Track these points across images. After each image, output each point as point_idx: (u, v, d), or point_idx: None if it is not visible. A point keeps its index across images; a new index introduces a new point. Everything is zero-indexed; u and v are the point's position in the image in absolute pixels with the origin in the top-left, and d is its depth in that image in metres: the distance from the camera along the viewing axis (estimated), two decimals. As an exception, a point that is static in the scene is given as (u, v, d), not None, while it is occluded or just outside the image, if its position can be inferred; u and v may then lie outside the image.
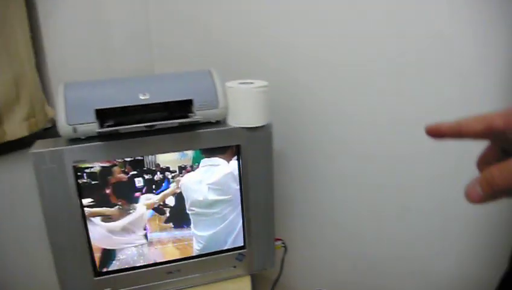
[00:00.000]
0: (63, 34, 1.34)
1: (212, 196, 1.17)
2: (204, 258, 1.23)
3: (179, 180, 1.14)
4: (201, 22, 1.50)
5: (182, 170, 1.13)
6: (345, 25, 1.19)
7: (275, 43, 1.34)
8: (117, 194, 1.10)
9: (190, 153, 1.12)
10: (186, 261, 1.22)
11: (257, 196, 1.21)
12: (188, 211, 1.17)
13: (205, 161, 1.14)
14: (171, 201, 1.15)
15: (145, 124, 1.01)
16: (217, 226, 1.21)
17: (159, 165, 1.11)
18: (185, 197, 1.16)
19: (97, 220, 1.11)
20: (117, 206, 1.11)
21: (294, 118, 1.35)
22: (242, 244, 1.26)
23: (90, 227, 1.11)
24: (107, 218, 1.11)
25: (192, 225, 1.19)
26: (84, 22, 1.40)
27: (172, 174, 1.12)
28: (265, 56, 1.37)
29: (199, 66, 1.51)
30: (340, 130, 1.30)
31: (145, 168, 1.10)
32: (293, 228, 1.48)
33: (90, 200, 1.08)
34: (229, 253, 1.25)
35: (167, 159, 1.11)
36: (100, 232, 1.12)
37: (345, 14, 1.18)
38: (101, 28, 1.46)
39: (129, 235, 1.15)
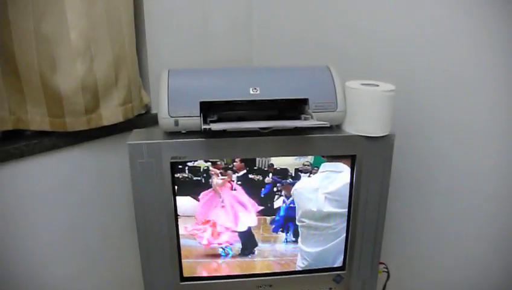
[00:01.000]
0: (164, 18, 1.25)
1: (328, 208, 1.03)
2: (299, 275, 1.10)
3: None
4: (309, 12, 1.34)
5: (299, 173, 1.00)
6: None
7: (395, 42, 1.16)
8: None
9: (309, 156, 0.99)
10: (279, 277, 1.10)
11: (367, 213, 1.05)
12: (297, 223, 1.04)
13: (326, 166, 1.00)
14: (280, 209, 1.03)
15: (260, 126, 0.88)
16: (329, 242, 1.07)
17: (272, 165, 0.98)
18: (296, 206, 1.03)
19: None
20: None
21: (411, 130, 1.16)
22: (341, 264, 1.11)
23: (181, 228, 1.01)
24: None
25: (300, 239, 1.06)
26: (186, 7, 1.30)
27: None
28: (382, 57, 1.19)
29: (303, 61, 1.38)
30: (466, 153, 1.10)
31: (255, 168, 0.98)
32: (398, 253, 1.31)
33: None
34: (326, 273, 1.11)
35: (282, 160, 0.99)
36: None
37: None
38: (202, 13, 1.35)
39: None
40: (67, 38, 0.99)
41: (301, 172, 0.99)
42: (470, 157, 1.10)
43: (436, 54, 1.09)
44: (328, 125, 0.91)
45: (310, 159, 0.99)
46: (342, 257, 1.10)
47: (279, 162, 0.98)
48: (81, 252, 1.21)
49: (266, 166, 0.98)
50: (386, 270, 1.22)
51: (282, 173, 0.99)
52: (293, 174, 0.99)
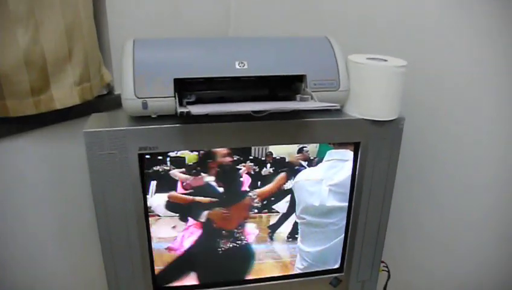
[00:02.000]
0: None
1: (332, 201, 0.89)
2: (292, 280, 0.96)
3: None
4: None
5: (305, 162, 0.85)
6: None
7: (402, 10, 1.00)
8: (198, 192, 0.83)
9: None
10: (270, 283, 0.95)
11: (370, 208, 0.92)
12: (297, 220, 0.90)
13: (332, 154, 0.84)
14: (279, 205, 0.88)
15: (254, 109, 0.71)
16: (331, 240, 0.94)
17: (271, 154, 0.82)
18: (296, 200, 0.88)
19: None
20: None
21: (415, 113, 1.02)
22: (338, 265, 0.98)
23: (154, 231, 0.84)
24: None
25: (299, 238, 0.92)
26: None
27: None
28: (384, 28, 1.03)
29: (291, 32, 1.21)
30: (475, 142, 0.97)
31: (251, 157, 0.82)
32: (399, 250, 1.18)
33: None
34: (322, 276, 0.98)
35: (282, 148, 0.83)
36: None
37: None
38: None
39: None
40: (3, 0, 0.78)
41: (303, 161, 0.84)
42: (479, 146, 0.97)
43: (451, 26, 0.94)
44: (339, 107, 0.75)
45: (314, 146, 0.83)
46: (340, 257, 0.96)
47: (278, 150, 0.82)
48: (36, 257, 1.03)
49: (263, 155, 0.81)
50: (386, 269, 1.09)
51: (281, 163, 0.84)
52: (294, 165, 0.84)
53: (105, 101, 1.07)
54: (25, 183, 0.97)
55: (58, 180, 1.02)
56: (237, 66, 0.76)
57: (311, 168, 0.85)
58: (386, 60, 0.82)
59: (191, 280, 0.92)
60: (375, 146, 0.85)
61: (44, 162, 0.99)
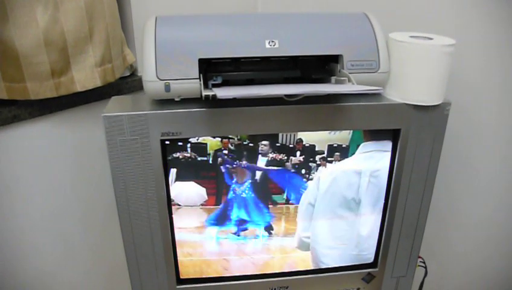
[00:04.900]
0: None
1: (366, 194, 0.83)
2: (322, 274, 0.91)
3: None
4: None
5: (334, 152, 0.78)
6: None
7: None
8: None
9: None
10: (298, 277, 0.90)
11: (409, 200, 0.85)
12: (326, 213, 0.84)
13: (367, 146, 0.78)
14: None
15: (287, 93, 0.65)
16: (362, 234, 0.87)
17: (301, 141, 0.76)
18: (327, 193, 0.82)
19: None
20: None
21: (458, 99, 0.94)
22: (372, 260, 0.92)
23: (176, 221, 0.80)
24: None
25: (327, 232, 0.87)
26: None
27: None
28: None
29: (322, 5, 1.13)
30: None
31: (278, 144, 0.76)
32: (438, 245, 1.10)
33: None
34: (354, 271, 0.92)
35: (313, 135, 0.77)
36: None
37: None
38: None
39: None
40: (21, -23, 0.74)
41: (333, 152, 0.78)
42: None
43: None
44: (382, 91, 0.68)
45: (346, 134, 0.76)
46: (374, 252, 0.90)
47: (309, 137, 0.76)
48: (60, 243, 1.02)
49: (293, 142, 0.75)
50: (423, 265, 1.02)
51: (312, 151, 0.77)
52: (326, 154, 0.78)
53: (129, 83, 1.03)
54: (47, 166, 0.94)
55: (79, 164, 1.00)
56: (267, 45, 0.70)
57: (345, 160, 0.78)
58: (431, 39, 0.74)
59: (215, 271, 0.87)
60: (417, 134, 0.78)
61: (66, 145, 0.96)
